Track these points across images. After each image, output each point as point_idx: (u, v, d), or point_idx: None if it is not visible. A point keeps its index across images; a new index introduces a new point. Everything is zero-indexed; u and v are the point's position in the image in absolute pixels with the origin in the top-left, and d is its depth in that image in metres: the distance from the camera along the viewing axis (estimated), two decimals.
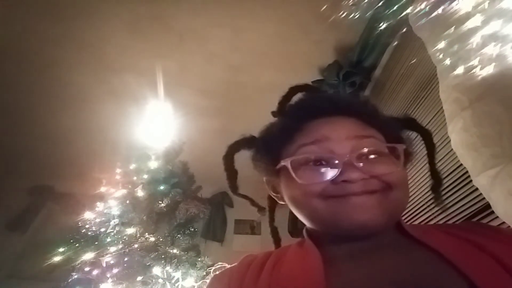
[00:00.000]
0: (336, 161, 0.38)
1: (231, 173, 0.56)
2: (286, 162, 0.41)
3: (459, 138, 0.74)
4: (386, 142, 0.43)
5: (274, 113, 0.57)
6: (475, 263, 0.31)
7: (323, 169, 0.39)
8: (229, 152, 0.56)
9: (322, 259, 0.36)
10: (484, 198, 0.84)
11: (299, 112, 0.47)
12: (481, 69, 0.70)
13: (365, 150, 0.39)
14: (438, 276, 0.32)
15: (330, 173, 0.38)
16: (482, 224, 0.44)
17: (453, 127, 0.76)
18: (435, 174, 0.51)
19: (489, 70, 0.68)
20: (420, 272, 0.33)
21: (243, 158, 0.55)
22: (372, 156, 0.39)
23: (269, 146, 0.48)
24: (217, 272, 0.47)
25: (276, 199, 0.52)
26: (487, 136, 0.65)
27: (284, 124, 0.47)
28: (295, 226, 3.06)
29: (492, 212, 0.87)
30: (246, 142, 0.55)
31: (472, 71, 0.72)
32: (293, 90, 0.57)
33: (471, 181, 0.77)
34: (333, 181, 0.37)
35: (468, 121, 0.70)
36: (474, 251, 0.33)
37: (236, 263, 0.44)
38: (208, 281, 0.47)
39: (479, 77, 0.69)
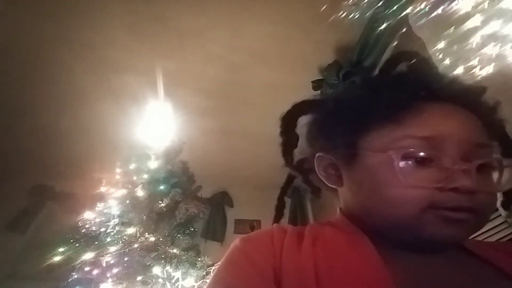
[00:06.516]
0: (449, 165, 0.31)
1: (290, 139, 0.45)
2: (394, 154, 0.32)
3: None
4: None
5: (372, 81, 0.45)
6: None
7: (430, 170, 0.32)
8: (294, 112, 0.45)
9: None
10: None
11: (411, 89, 0.36)
12: (480, 69, 0.70)
13: (480, 161, 0.32)
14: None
15: (440, 177, 0.31)
16: None
17: None
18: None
19: (489, 70, 0.68)
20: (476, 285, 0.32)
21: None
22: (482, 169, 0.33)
23: (352, 121, 0.37)
24: (260, 229, 0.41)
25: (327, 180, 0.41)
26: None
27: (385, 99, 0.35)
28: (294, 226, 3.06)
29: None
30: (315, 106, 0.44)
31: (471, 71, 0.72)
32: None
33: None
34: (441, 187, 0.31)
35: None
36: None
37: (269, 228, 0.39)
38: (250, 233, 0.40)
39: (479, 77, 0.69)
